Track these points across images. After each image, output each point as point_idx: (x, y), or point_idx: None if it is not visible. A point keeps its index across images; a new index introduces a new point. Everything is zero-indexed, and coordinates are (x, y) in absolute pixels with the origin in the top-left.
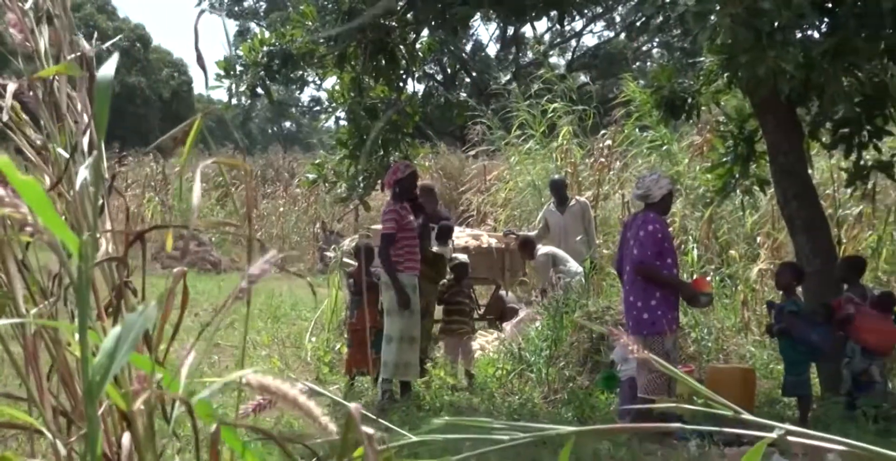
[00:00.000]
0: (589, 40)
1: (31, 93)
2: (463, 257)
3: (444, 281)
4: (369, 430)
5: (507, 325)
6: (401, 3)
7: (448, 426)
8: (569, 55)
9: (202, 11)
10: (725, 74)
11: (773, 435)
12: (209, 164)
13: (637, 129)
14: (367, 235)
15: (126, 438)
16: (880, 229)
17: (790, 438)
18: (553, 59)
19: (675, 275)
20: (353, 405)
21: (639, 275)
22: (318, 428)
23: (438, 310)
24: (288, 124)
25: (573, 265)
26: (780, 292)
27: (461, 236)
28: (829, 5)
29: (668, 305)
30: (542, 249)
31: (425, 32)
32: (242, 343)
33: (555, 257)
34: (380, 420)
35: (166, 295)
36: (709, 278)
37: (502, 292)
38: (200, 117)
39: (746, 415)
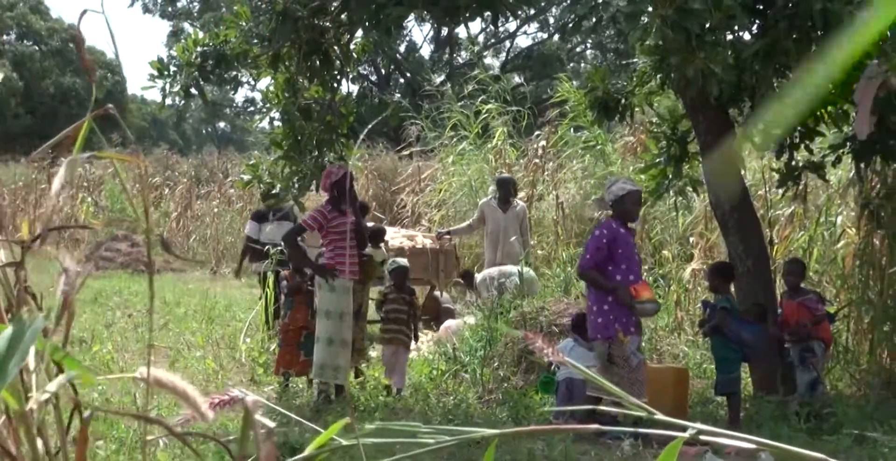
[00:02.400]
0: (523, 41)
1: None
2: (402, 261)
3: (384, 287)
4: (270, 423)
5: (442, 329)
6: (335, 4)
7: (379, 430)
8: (503, 56)
9: (84, 11)
10: (658, 76)
11: (686, 434)
12: (146, 166)
13: (571, 130)
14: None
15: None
16: (811, 229)
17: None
18: (487, 60)
19: (616, 281)
20: (250, 397)
21: (580, 280)
22: (200, 418)
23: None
24: (222, 125)
25: (507, 266)
26: (713, 293)
27: (396, 237)
28: (760, 7)
29: (622, 309)
30: (478, 277)
31: (359, 33)
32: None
33: (490, 277)
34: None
35: (71, 297)
36: (654, 286)
37: (437, 293)
38: (89, 118)
39: (660, 416)
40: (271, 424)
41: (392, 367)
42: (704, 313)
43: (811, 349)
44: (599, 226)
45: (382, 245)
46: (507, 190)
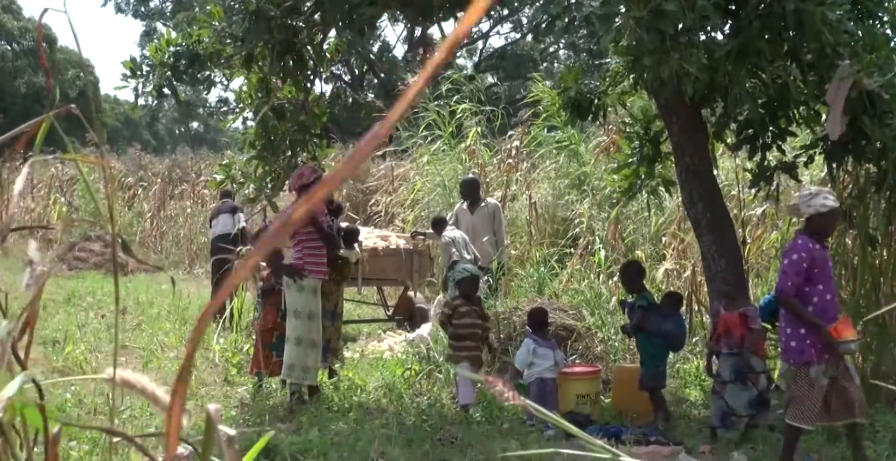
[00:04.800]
0: (496, 41)
1: None
2: (472, 268)
3: (450, 298)
4: (229, 431)
5: (420, 330)
6: (308, 4)
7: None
8: (476, 56)
9: (45, 9)
10: (631, 76)
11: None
12: (111, 168)
13: (545, 130)
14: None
15: None
16: (784, 229)
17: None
18: (460, 61)
19: (813, 303)
20: (212, 406)
21: (779, 305)
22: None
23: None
24: (195, 125)
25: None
26: (629, 293)
27: (370, 237)
28: (733, 7)
29: (819, 334)
30: (448, 232)
31: (333, 33)
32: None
33: (455, 242)
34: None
35: (32, 299)
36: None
37: (411, 293)
38: (49, 116)
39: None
40: (232, 432)
41: (468, 386)
42: (624, 312)
43: (750, 365)
44: (794, 245)
45: (356, 246)
46: (468, 191)
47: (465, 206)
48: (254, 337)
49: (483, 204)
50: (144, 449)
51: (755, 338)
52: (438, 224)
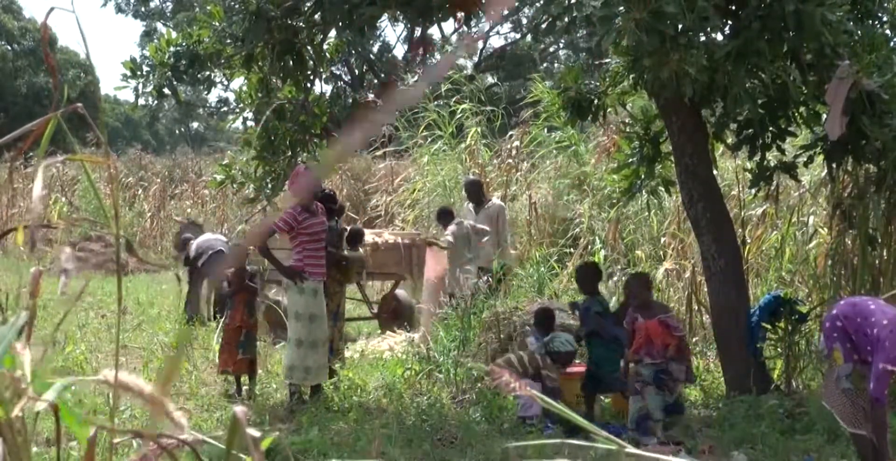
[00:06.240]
0: (496, 41)
1: None
2: (574, 344)
3: (548, 361)
4: (255, 433)
5: (419, 331)
6: (308, 4)
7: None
8: (476, 56)
9: (52, 9)
10: (631, 76)
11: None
12: (116, 168)
13: (545, 130)
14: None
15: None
16: (784, 229)
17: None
18: (460, 61)
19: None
20: (238, 408)
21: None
22: (172, 423)
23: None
24: (195, 125)
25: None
26: (583, 294)
27: (366, 235)
28: (733, 8)
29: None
30: (451, 228)
31: (333, 33)
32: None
33: (463, 228)
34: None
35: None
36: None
37: (399, 291)
38: (56, 115)
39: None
40: (257, 434)
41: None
42: (573, 314)
43: (668, 371)
44: None
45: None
46: (471, 192)
47: (469, 206)
48: (221, 336)
49: (488, 204)
50: (196, 449)
51: (679, 346)
52: (444, 215)
